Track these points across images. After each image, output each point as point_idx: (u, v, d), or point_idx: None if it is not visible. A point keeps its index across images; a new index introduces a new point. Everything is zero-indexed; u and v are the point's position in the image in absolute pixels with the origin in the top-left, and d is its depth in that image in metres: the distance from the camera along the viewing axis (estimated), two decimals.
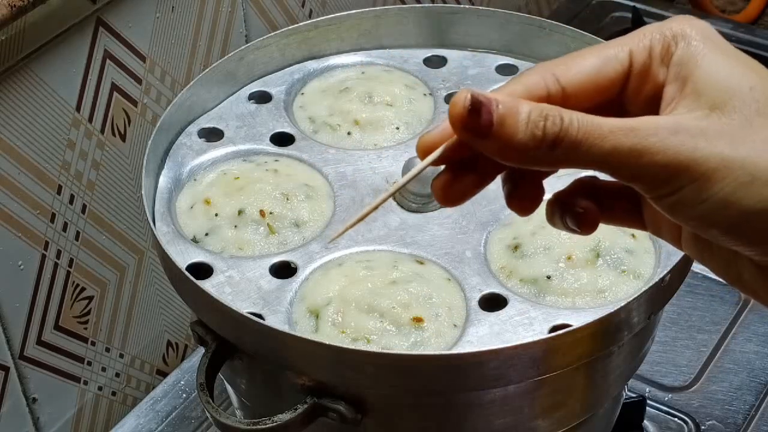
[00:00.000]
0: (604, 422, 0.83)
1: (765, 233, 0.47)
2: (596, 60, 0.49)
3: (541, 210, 0.79)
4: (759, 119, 0.46)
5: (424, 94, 0.87)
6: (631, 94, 0.49)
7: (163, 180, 0.79)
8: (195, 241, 0.76)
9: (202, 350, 0.71)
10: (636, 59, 0.49)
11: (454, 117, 0.46)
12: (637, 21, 1.40)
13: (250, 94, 0.87)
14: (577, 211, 0.52)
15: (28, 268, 0.91)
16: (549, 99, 0.48)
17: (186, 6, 0.99)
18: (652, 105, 0.49)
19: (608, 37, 0.88)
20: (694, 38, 0.48)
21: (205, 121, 0.84)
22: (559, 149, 0.46)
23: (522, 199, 0.51)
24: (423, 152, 0.49)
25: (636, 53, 0.49)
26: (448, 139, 0.48)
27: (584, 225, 0.52)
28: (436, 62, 0.90)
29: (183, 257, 0.73)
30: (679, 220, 0.48)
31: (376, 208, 0.49)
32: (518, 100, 0.47)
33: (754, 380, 1.00)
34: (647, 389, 0.99)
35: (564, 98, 0.48)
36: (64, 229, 0.93)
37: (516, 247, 0.73)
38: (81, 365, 1.00)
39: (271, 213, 0.76)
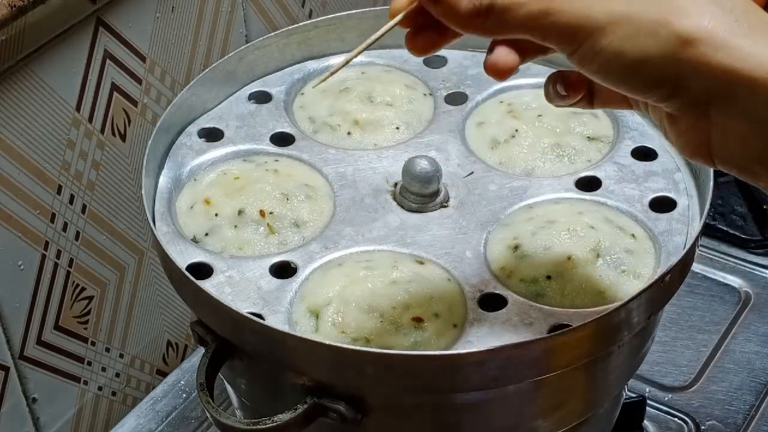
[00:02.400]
0: (604, 422, 0.83)
1: (650, 80, 0.54)
2: None
3: (541, 211, 0.80)
4: None
5: (424, 94, 0.87)
6: None
7: (163, 180, 0.79)
8: (195, 241, 0.76)
9: (202, 350, 0.71)
10: None
11: None
12: None
13: (250, 94, 0.87)
14: (565, 76, 0.62)
15: (28, 268, 0.91)
16: None
17: (186, 6, 0.99)
18: None
19: None
20: None
21: (205, 121, 0.84)
22: (492, 17, 0.55)
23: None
24: (393, 15, 0.58)
25: None
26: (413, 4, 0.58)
27: (570, 86, 0.62)
28: (436, 62, 0.90)
29: (183, 257, 0.74)
30: (587, 73, 0.56)
31: (358, 53, 0.61)
32: None
33: (754, 380, 1.00)
34: (647, 389, 0.99)
35: None
36: (64, 229, 0.93)
37: (516, 247, 0.73)
38: (81, 365, 1.00)
39: (271, 213, 0.76)
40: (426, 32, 0.60)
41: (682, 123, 0.57)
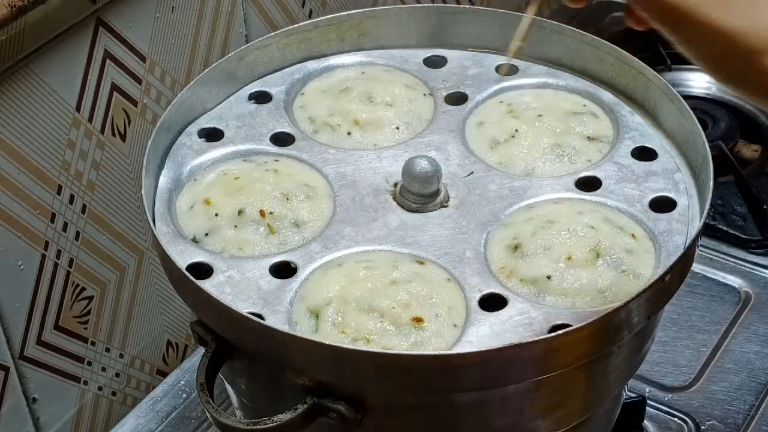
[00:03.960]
0: (604, 422, 0.83)
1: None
2: None
3: (541, 211, 0.79)
4: None
5: (424, 94, 0.87)
6: None
7: (163, 180, 0.79)
8: (195, 241, 0.76)
9: (202, 350, 0.71)
10: None
11: None
12: None
13: (250, 94, 0.87)
14: None
15: (28, 268, 0.91)
16: None
17: (186, 6, 0.99)
18: None
19: (608, 37, 0.88)
20: None
21: (205, 121, 0.84)
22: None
23: None
24: None
25: None
26: None
27: None
28: (436, 62, 0.90)
29: (183, 257, 0.74)
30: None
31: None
32: None
33: (754, 380, 1.00)
34: (647, 389, 0.99)
35: None
36: (64, 229, 0.93)
37: (516, 247, 0.73)
38: (81, 365, 1.00)
39: (271, 213, 0.76)
40: None
41: None
